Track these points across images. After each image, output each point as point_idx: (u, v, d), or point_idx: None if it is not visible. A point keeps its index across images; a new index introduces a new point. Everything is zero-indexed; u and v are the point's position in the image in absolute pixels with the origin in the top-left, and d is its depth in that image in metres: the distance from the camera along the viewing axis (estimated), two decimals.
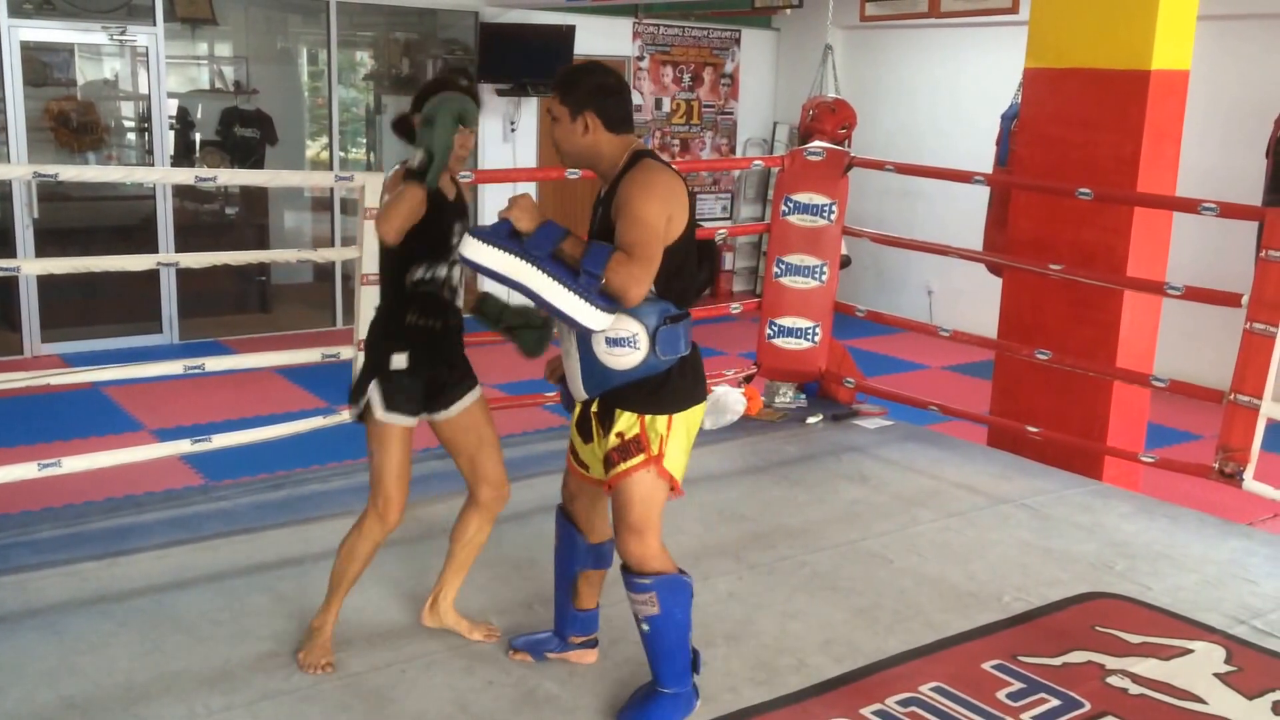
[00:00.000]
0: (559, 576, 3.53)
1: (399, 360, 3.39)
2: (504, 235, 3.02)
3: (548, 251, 2.99)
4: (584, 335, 3.05)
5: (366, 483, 5.06)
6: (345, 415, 3.61)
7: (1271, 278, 4.60)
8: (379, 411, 3.41)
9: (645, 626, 3.18)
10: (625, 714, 3.27)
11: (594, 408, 3.17)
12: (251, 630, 3.71)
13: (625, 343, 3.03)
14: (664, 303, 3.06)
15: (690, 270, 3.14)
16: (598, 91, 3.09)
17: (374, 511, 3.49)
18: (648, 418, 3.09)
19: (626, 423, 3.10)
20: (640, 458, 3.10)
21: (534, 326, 3.48)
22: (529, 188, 10.65)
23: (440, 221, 3.35)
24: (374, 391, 3.41)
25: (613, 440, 3.11)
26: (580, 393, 3.16)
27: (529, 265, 2.98)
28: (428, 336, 3.44)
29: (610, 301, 2.96)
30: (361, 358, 4.91)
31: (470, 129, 3.31)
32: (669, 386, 3.10)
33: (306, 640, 3.55)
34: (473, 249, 3.02)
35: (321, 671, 3.45)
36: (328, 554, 4.28)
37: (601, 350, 3.05)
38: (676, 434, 3.13)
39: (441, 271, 3.40)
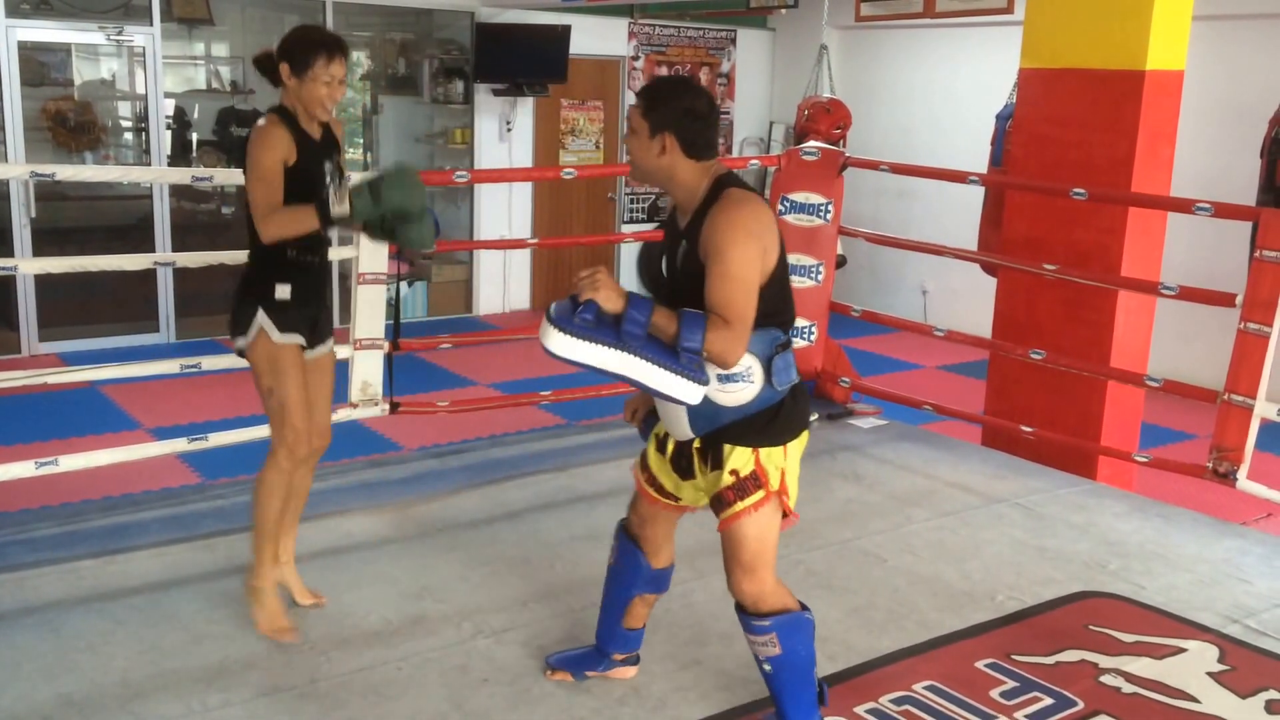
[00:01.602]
0: (614, 598, 3.37)
1: (283, 291, 3.51)
2: (591, 321, 2.77)
3: (643, 333, 2.79)
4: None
5: (364, 480, 5.14)
6: (236, 345, 3.61)
7: (1266, 278, 4.62)
8: (275, 334, 3.51)
9: (767, 667, 3.06)
10: None
11: (696, 443, 3.02)
12: (248, 628, 3.71)
13: (739, 378, 2.88)
14: (772, 330, 2.92)
15: (790, 292, 3.02)
16: (684, 115, 2.88)
17: (282, 448, 3.59)
18: (763, 451, 2.95)
19: (741, 459, 2.94)
20: (759, 494, 2.94)
21: (414, 219, 3.55)
22: (525, 188, 10.67)
23: (310, 165, 3.49)
24: (263, 319, 3.51)
25: (726, 479, 2.95)
26: (684, 433, 2.99)
27: (628, 355, 2.77)
28: (308, 270, 3.60)
29: (707, 369, 2.83)
30: (358, 357, 4.94)
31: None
32: (782, 415, 2.96)
33: (254, 604, 3.63)
34: (559, 343, 2.77)
35: (286, 638, 3.55)
36: (323, 552, 4.32)
37: (713, 389, 2.87)
38: (792, 461, 3.00)
39: None
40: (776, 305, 2.93)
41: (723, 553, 3.05)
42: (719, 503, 2.99)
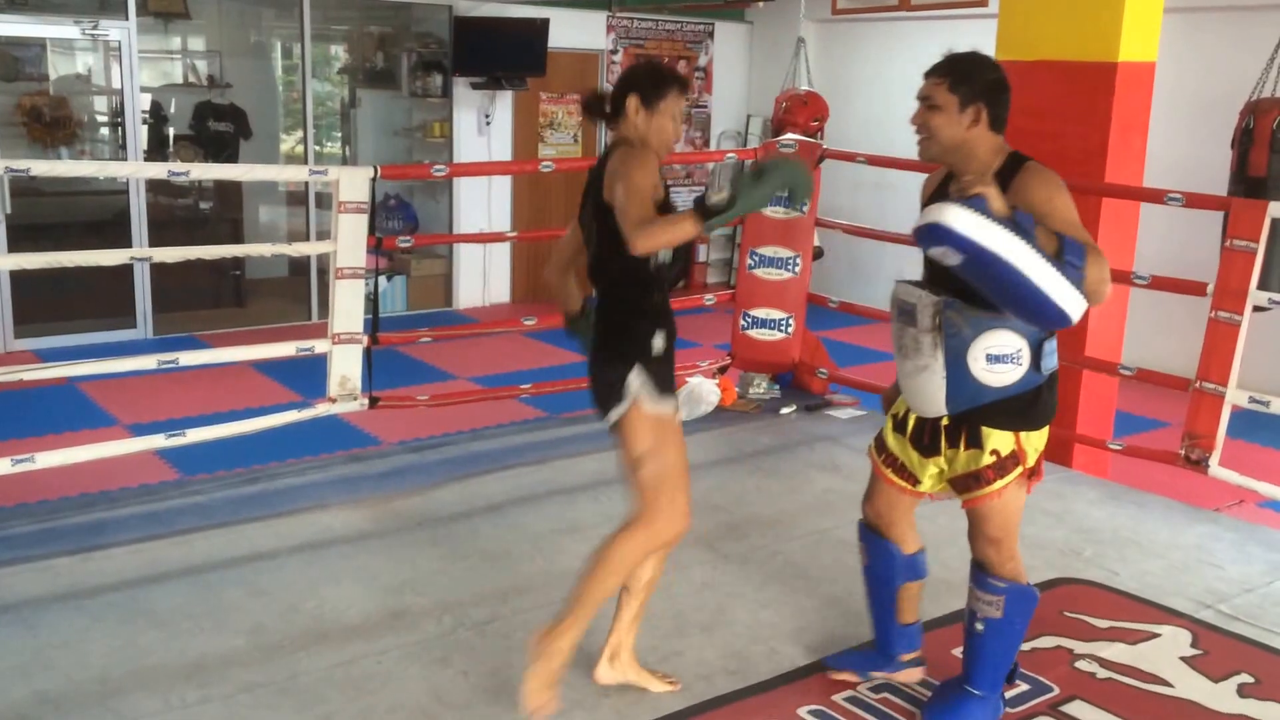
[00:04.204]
0: (879, 597, 3.39)
1: (659, 342, 3.12)
2: (985, 210, 2.73)
3: (1032, 233, 2.77)
4: (957, 351, 2.92)
5: (344, 475, 5.14)
6: (609, 417, 3.10)
7: (1236, 267, 4.66)
8: (650, 404, 3.09)
9: (980, 627, 3.14)
10: (934, 712, 3.25)
11: (943, 421, 3.06)
12: (227, 624, 3.72)
13: (1008, 359, 2.91)
14: None
15: None
16: (994, 87, 2.97)
17: (650, 528, 3.12)
18: (1023, 434, 3.01)
19: (1001, 440, 3.01)
20: (1017, 471, 3.04)
21: (801, 188, 3.04)
22: (504, 181, 10.67)
23: (668, 201, 3.15)
24: (638, 380, 3.08)
25: (987, 459, 3.02)
26: (938, 409, 3.02)
27: (1022, 242, 2.72)
28: (671, 317, 3.19)
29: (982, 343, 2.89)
30: (337, 351, 4.93)
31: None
32: (1042, 399, 3.01)
33: (539, 662, 3.14)
34: (957, 217, 2.71)
35: (541, 713, 3.15)
36: (302, 547, 4.33)
37: (980, 368, 2.91)
38: (1044, 443, 3.08)
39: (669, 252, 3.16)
40: None
41: (970, 527, 3.18)
42: (975, 480, 3.06)
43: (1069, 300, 2.76)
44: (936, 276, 3.00)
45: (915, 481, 3.21)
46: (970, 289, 2.88)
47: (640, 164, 3.03)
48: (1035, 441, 3.05)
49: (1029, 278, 2.73)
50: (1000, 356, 2.91)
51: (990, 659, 3.18)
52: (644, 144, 3.12)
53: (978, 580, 3.18)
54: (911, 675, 3.46)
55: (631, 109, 3.14)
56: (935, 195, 3.06)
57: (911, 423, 3.16)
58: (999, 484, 3.03)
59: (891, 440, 3.24)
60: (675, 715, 3.28)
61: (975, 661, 3.19)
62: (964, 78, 2.95)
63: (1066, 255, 2.77)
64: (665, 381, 3.13)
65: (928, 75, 3.00)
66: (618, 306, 3.15)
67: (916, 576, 3.38)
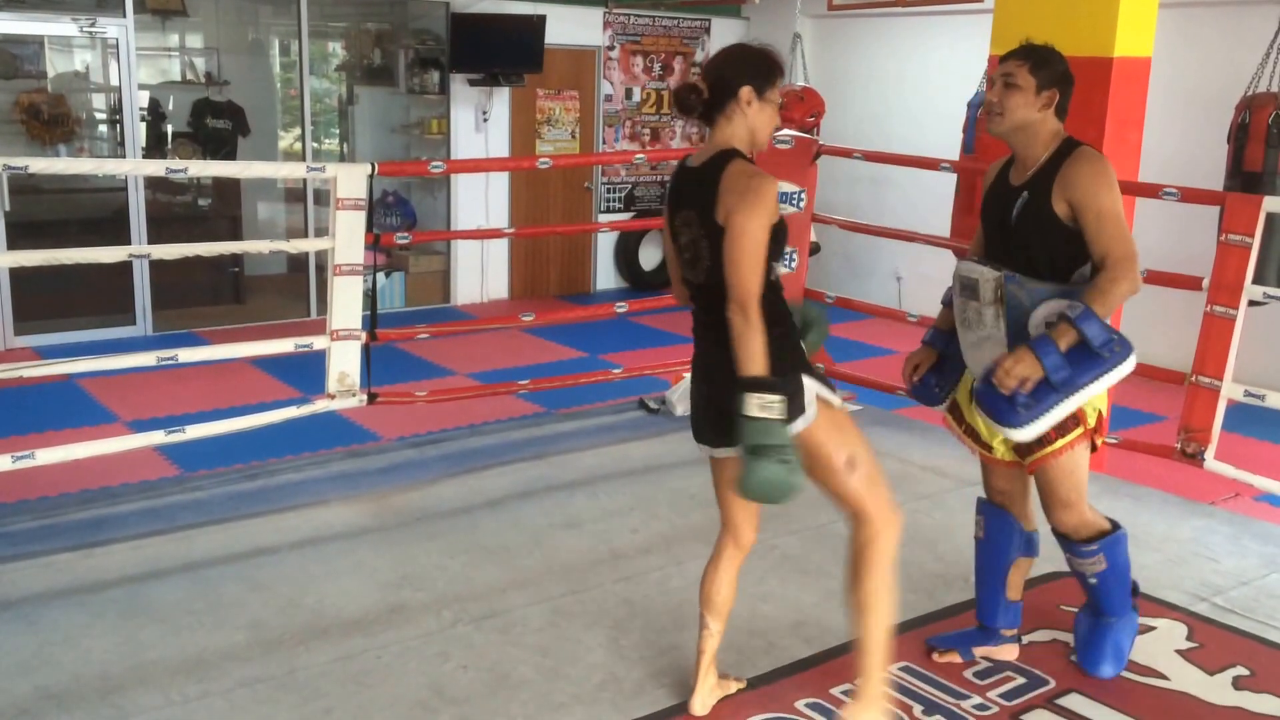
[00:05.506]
0: (991, 569, 3.57)
1: (803, 345, 3.06)
2: (1032, 396, 3.08)
3: (1065, 369, 3.07)
4: (1018, 320, 3.15)
5: (343, 471, 5.16)
6: (776, 422, 2.79)
7: (1231, 261, 4.67)
8: (833, 401, 2.97)
9: (1093, 581, 3.42)
10: (1088, 653, 3.50)
11: None
12: (227, 619, 3.74)
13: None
14: None
15: None
16: (1067, 76, 3.23)
17: (888, 525, 2.98)
18: None
19: None
20: (1078, 431, 3.23)
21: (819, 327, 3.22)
22: (501, 178, 10.67)
23: (784, 223, 2.96)
24: (812, 384, 2.94)
25: None
26: None
27: (1078, 393, 3.10)
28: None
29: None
30: (335, 348, 4.95)
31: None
32: None
33: (869, 711, 3.07)
34: (1027, 432, 3.13)
35: None
36: (302, 542, 4.34)
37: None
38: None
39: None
40: None
41: (1039, 492, 3.37)
42: (1037, 442, 3.23)
43: (1124, 371, 3.13)
44: (996, 253, 3.28)
45: (989, 448, 3.41)
46: (1029, 263, 3.17)
47: (764, 199, 2.80)
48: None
49: (1095, 397, 3.15)
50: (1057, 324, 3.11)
51: (1114, 594, 3.46)
52: (751, 143, 2.92)
53: (1071, 550, 3.40)
54: (1010, 651, 3.62)
55: (745, 100, 2.87)
56: (995, 185, 3.35)
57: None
58: (1060, 443, 3.22)
59: (967, 411, 3.46)
60: (673, 709, 3.30)
61: (1103, 600, 3.47)
62: (1044, 62, 3.20)
63: (1095, 343, 3.05)
64: (825, 378, 3.01)
65: (1006, 58, 3.24)
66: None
67: (1031, 553, 3.57)
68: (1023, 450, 3.30)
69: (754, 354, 2.79)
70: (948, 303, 3.56)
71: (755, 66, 2.89)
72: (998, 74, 3.25)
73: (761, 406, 2.75)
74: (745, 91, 2.86)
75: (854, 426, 3.02)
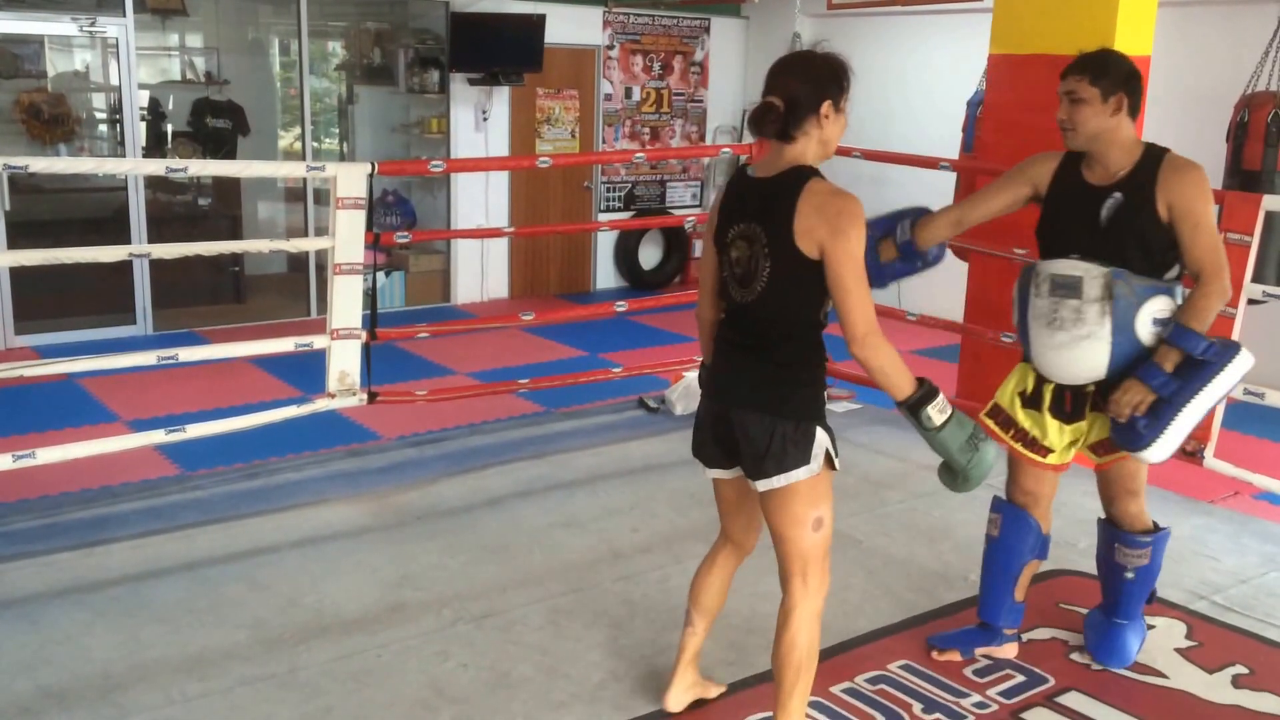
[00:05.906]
0: (1005, 569, 3.58)
1: (836, 405, 3.00)
2: (1151, 415, 3.16)
3: (1172, 384, 3.15)
4: (1125, 316, 3.18)
5: (343, 470, 5.17)
6: (954, 414, 2.94)
7: (1231, 260, 4.64)
8: (835, 463, 2.92)
9: (1131, 575, 3.52)
10: (1102, 648, 3.59)
11: (1088, 386, 3.32)
12: (228, 618, 3.75)
13: (1169, 322, 3.20)
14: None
15: None
16: (1131, 76, 3.24)
17: (824, 583, 2.95)
18: None
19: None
20: None
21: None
22: (501, 177, 10.68)
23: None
24: (826, 439, 2.87)
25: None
26: (1098, 374, 3.27)
27: (1195, 403, 3.15)
28: None
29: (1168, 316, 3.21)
30: (335, 347, 4.95)
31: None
32: None
33: None
34: (1160, 451, 3.20)
35: None
36: (302, 541, 4.35)
37: (1146, 331, 3.20)
38: None
39: None
40: None
41: (1108, 484, 3.53)
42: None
43: (1238, 373, 3.18)
44: (1072, 251, 3.28)
45: (1045, 452, 3.44)
46: (1124, 263, 3.20)
47: (861, 219, 2.70)
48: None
49: (1208, 407, 3.20)
50: (1162, 320, 3.19)
51: (1137, 595, 3.56)
52: (822, 155, 2.83)
53: (1123, 540, 3.51)
54: (1010, 650, 3.65)
55: (824, 114, 2.77)
56: (1067, 184, 3.36)
57: (1049, 395, 3.39)
58: None
59: (1022, 416, 3.46)
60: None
61: (1125, 600, 3.56)
62: (1103, 71, 3.22)
63: (1194, 352, 3.13)
64: (833, 433, 2.92)
65: (1066, 74, 3.26)
66: (794, 359, 2.86)
67: (1042, 555, 3.62)
68: (1104, 449, 3.40)
69: (900, 376, 2.82)
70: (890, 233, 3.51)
71: (832, 79, 2.81)
72: (1061, 91, 3.27)
73: (939, 411, 2.86)
74: (825, 106, 2.78)
75: (831, 489, 2.94)
